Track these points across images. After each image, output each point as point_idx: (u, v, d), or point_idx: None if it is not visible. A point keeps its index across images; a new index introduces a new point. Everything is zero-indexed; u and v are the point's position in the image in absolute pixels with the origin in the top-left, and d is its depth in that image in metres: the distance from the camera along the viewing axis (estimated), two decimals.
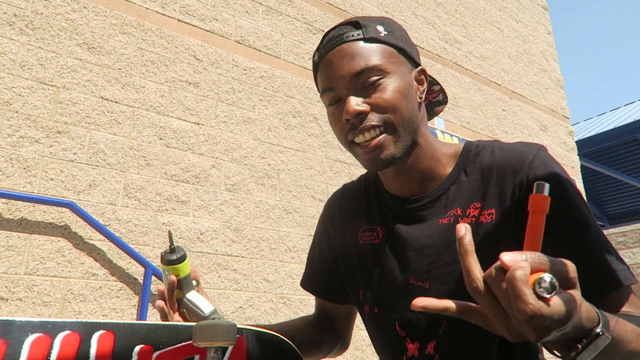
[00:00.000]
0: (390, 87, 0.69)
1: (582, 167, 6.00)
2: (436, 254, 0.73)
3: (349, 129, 0.71)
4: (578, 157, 5.84)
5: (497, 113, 5.00)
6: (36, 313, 2.21)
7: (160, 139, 2.80)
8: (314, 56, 0.77)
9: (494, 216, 0.69)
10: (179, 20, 3.08)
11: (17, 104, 2.41)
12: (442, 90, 0.81)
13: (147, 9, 2.97)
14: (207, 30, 3.18)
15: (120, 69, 2.77)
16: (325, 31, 0.76)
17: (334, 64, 0.71)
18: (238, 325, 0.62)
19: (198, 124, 2.96)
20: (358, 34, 0.71)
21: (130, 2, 2.92)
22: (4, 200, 2.25)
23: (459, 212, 0.72)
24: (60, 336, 0.58)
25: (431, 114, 0.85)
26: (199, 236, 2.77)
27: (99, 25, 2.77)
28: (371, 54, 0.69)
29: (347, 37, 0.71)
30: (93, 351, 0.58)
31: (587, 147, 8.61)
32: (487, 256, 0.67)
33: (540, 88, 5.69)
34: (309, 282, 0.93)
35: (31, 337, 0.56)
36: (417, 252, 0.74)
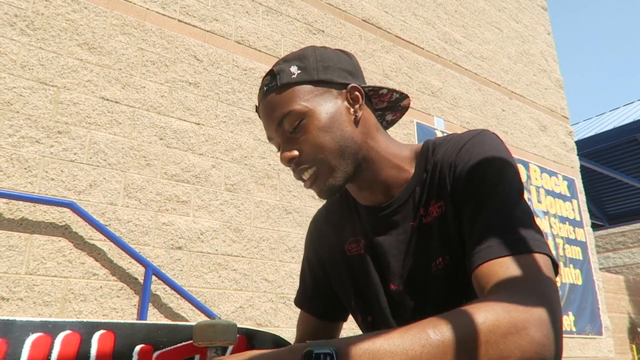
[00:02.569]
0: (311, 127, 0.73)
1: (581, 167, 6.01)
2: (410, 257, 0.76)
3: (293, 170, 0.77)
4: (578, 157, 5.84)
5: (497, 113, 5.00)
6: (37, 313, 2.22)
7: (161, 139, 2.80)
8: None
9: (443, 208, 0.72)
10: (179, 20, 3.08)
11: (18, 104, 2.42)
12: (393, 91, 0.82)
13: (148, 9, 2.98)
14: (207, 31, 3.19)
15: (120, 69, 2.77)
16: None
17: (263, 118, 0.77)
18: (238, 326, 0.63)
19: (198, 124, 2.97)
20: (273, 85, 0.75)
21: (130, 2, 2.92)
22: (4, 200, 2.26)
23: (422, 212, 0.75)
24: (60, 336, 0.58)
25: (401, 110, 0.86)
26: (199, 236, 2.77)
27: (99, 26, 2.77)
28: (286, 101, 0.73)
29: (266, 90, 0.76)
30: (94, 351, 0.59)
31: (587, 147, 8.60)
32: (446, 247, 0.71)
33: (540, 88, 5.70)
34: (302, 301, 0.95)
35: (32, 337, 0.57)
36: (395, 258, 0.77)
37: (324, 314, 0.92)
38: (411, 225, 0.76)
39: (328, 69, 0.76)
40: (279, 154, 0.79)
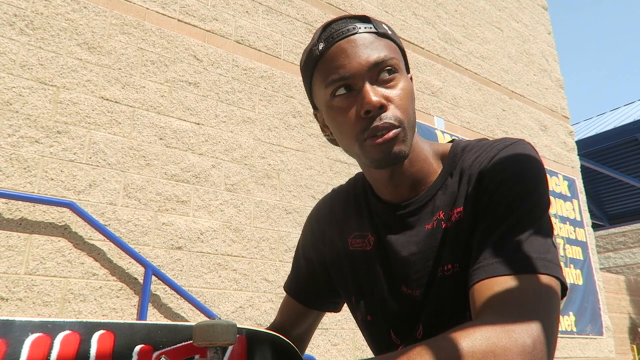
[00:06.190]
0: (401, 85, 0.68)
1: (582, 167, 6.00)
2: (423, 261, 0.72)
3: (367, 123, 0.66)
4: (578, 157, 5.83)
5: (497, 113, 4.99)
6: (36, 313, 2.21)
7: (161, 139, 2.80)
8: (312, 48, 0.71)
9: (462, 214, 0.69)
10: (179, 20, 3.08)
11: (18, 104, 2.41)
12: None
13: (147, 9, 2.97)
14: (207, 30, 3.18)
15: (120, 69, 2.77)
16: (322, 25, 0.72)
17: (348, 52, 0.66)
18: (238, 325, 0.62)
19: (198, 124, 2.96)
20: (370, 27, 0.68)
21: (130, 2, 2.92)
22: (4, 200, 2.25)
23: (441, 215, 0.71)
24: (60, 336, 0.58)
25: None
26: (199, 236, 2.77)
27: (99, 25, 2.77)
28: (386, 47, 0.68)
29: (360, 28, 0.68)
30: (93, 351, 0.58)
31: (587, 147, 8.60)
32: (458, 255, 0.68)
33: (540, 88, 5.69)
34: (294, 289, 0.91)
35: (31, 337, 0.56)
36: (406, 260, 0.73)
37: (314, 304, 0.90)
38: (425, 229, 0.72)
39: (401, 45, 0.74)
40: (333, 100, 0.68)
